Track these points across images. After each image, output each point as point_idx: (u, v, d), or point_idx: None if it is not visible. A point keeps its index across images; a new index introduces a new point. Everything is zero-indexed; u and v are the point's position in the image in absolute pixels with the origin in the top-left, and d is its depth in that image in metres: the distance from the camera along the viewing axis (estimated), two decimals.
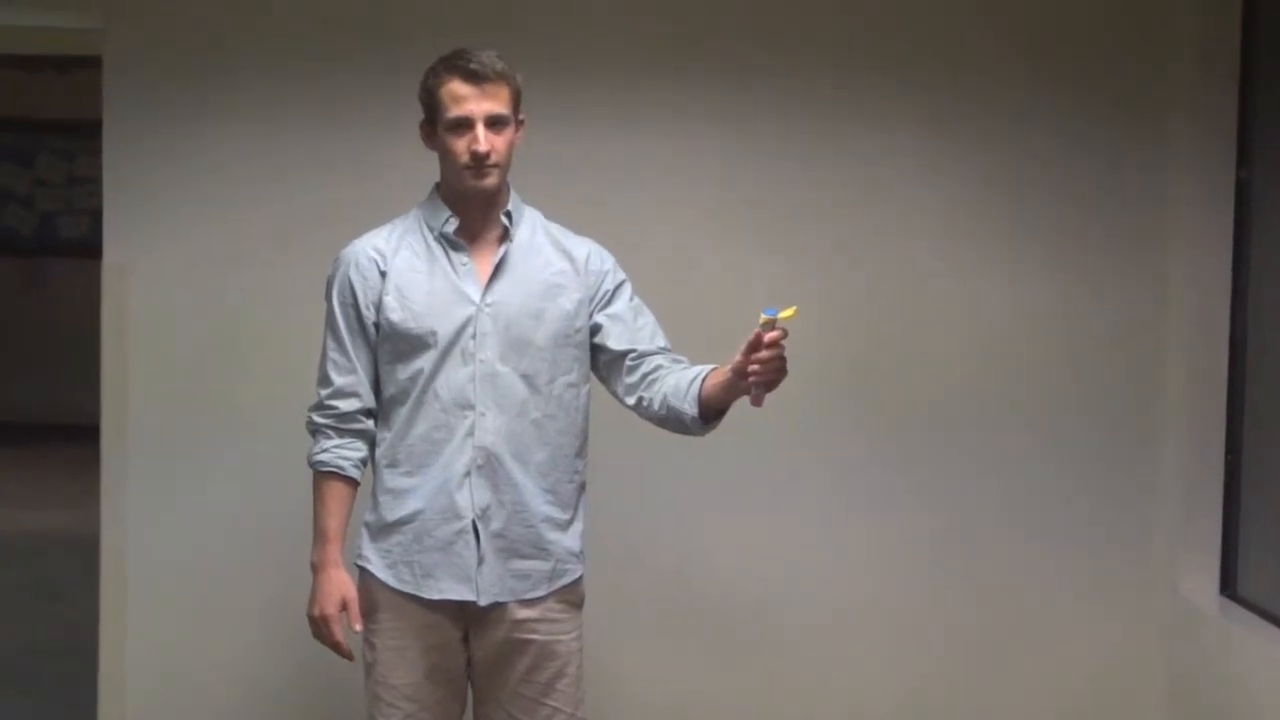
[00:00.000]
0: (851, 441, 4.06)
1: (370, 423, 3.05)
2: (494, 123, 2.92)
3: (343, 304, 3.02)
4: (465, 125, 2.91)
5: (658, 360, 3.06)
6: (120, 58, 3.95)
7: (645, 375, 3.05)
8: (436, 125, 2.96)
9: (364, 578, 3.07)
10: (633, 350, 3.06)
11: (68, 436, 7.90)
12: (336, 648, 3.01)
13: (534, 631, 3.02)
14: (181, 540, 3.99)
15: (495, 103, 2.91)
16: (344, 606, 3.00)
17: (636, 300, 3.14)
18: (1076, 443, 4.07)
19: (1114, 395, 4.06)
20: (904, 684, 4.10)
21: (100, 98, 3.95)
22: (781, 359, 2.77)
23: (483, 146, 2.90)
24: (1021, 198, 4.04)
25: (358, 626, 3.00)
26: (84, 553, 4.48)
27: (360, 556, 3.08)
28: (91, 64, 4.12)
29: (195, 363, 3.97)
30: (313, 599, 3.02)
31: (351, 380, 3.02)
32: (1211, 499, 3.98)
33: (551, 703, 3.05)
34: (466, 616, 3.01)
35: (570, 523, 3.07)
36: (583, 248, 3.10)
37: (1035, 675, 4.10)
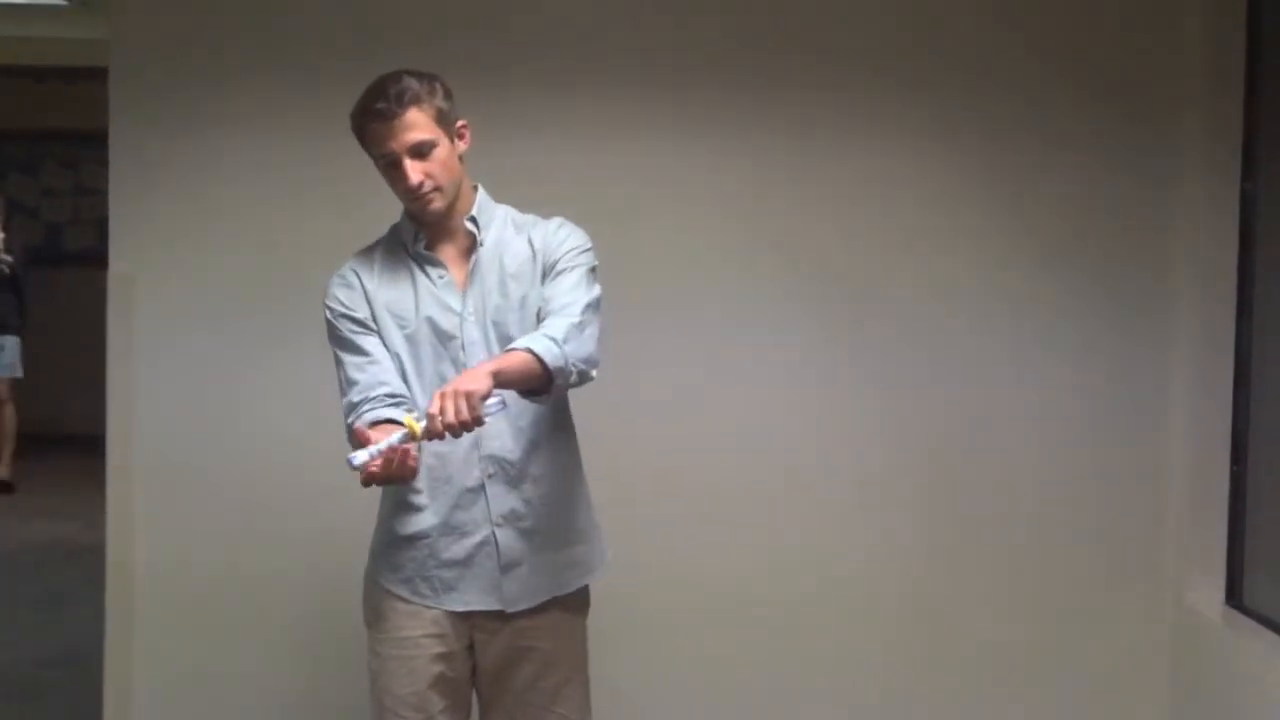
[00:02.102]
0: (857, 453, 4.07)
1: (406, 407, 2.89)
2: (418, 151, 2.89)
3: (340, 317, 2.99)
4: (393, 162, 2.90)
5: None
6: (126, 68, 3.96)
7: None
8: (375, 163, 2.97)
9: (371, 588, 3.07)
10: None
11: (74, 446, 7.90)
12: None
13: (538, 638, 3.02)
14: (188, 550, 4.00)
15: (413, 132, 2.88)
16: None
17: (574, 270, 2.99)
18: (1082, 453, 4.07)
19: (1121, 407, 4.06)
20: (907, 689, 4.10)
21: (106, 108, 3.96)
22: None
23: (411, 180, 2.88)
24: (1025, 208, 4.05)
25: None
26: (90, 563, 4.48)
27: (371, 575, 3.07)
28: (98, 75, 4.14)
29: (201, 372, 3.98)
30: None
31: (375, 372, 2.93)
32: (1217, 509, 3.98)
33: (559, 710, 3.05)
34: (473, 625, 3.01)
35: (589, 501, 3.12)
36: (542, 231, 3.03)
37: (1041, 683, 4.10)
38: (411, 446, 2.67)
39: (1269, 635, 3.74)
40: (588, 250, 3.03)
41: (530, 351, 2.75)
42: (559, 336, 2.80)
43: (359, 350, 2.96)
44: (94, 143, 4.87)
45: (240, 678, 4.03)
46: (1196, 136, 3.96)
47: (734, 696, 4.09)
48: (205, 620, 4.02)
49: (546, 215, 3.08)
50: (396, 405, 2.87)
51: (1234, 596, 3.97)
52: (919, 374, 4.06)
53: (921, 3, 4.02)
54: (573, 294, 2.93)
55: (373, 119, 2.89)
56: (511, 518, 2.97)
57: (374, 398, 2.89)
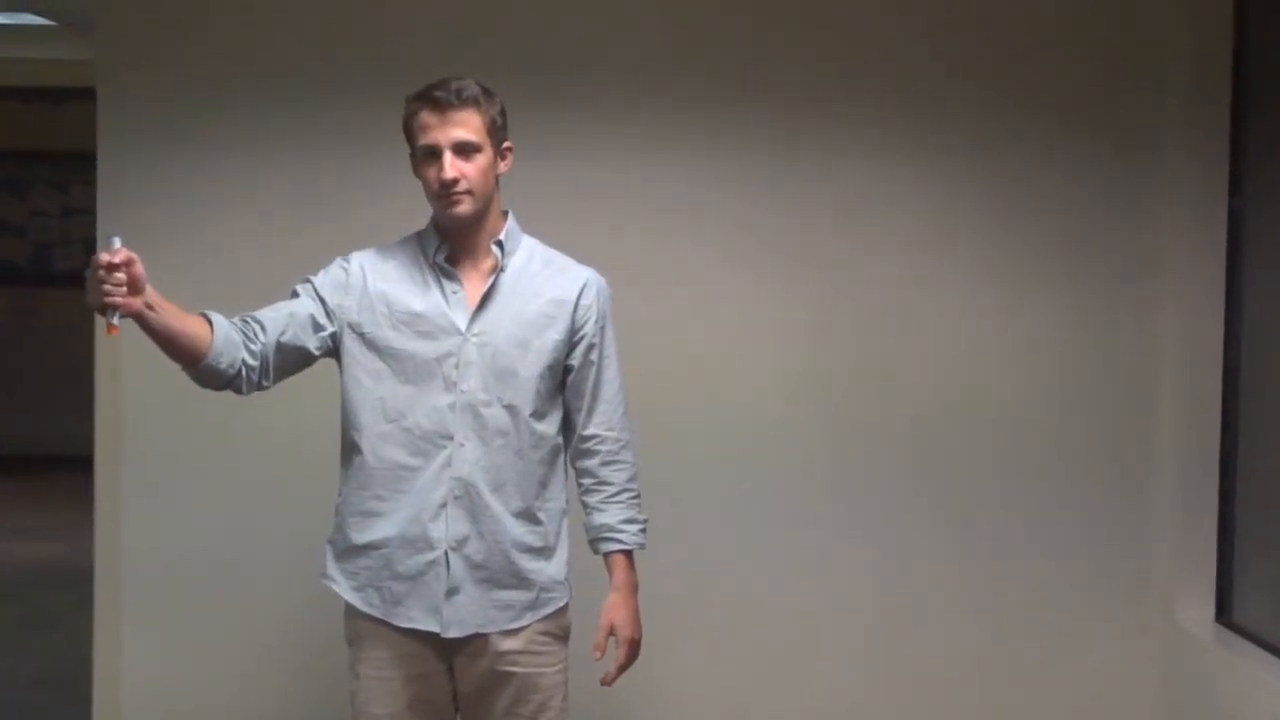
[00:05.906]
0: (847, 469, 4.07)
1: (254, 347, 2.90)
2: (462, 150, 2.89)
3: (306, 282, 3.00)
4: (434, 154, 2.90)
5: (597, 465, 3.08)
6: (115, 89, 3.96)
7: (584, 469, 3.10)
8: (416, 156, 2.96)
9: (347, 608, 3.04)
10: (591, 433, 3.07)
11: (62, 467, 7.88)
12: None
13: (516, 664, 3.00)
14: (177, 570, 3.98)
15: (463, 129, 2.88)
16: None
17: (609, 354, 3.09)
18: (1071, 470, 4.07)
19: (1109, 423, 4.07)
20: (897, 706, 4.10)
21: (95, 129, 3.95)
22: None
23: (448, 174, 2.87)
24: (1015, 224, 4.06)
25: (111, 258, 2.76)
26: (79, 584, 4.46)
27: (325, 575, 3.05)
28: (86, 96, 4.13)
29: (189, 393, 3.93)
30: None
31: (273, 316, 2.93)
32: (1207, 526, 3.98)
33: None
34: (449, 648, 2.99)
35: (553, 551, 3.05)
36: (577, 282, 3.05)
37: (1031, 701, 4.10)
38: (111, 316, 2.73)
39: (1259, 653, 3.74)
40: (608, 310, 3.10)
41: (628, 555, 3.09)
42: (636, 492, 3.11)
43: (290, 300, 2.98)
44: (82, 163, 4.86)
45: (229, 699, 4.01)
46: (1184, 152, 3.97)
47: (721, 712, 4.08)
48: (196, 641, 4.00)
49: (560, 243, 3.11)
50: (238, 329, 2.88)
51: (1224, 613, 3.97)
52: (904, 391, 4.06)
53: (920, 32, 4.04)
54: (619, 400, 3.09)
55: (428, 105, 2.89)
56: (463, 544, 2.95)
57: (252, 318, 2.91)
